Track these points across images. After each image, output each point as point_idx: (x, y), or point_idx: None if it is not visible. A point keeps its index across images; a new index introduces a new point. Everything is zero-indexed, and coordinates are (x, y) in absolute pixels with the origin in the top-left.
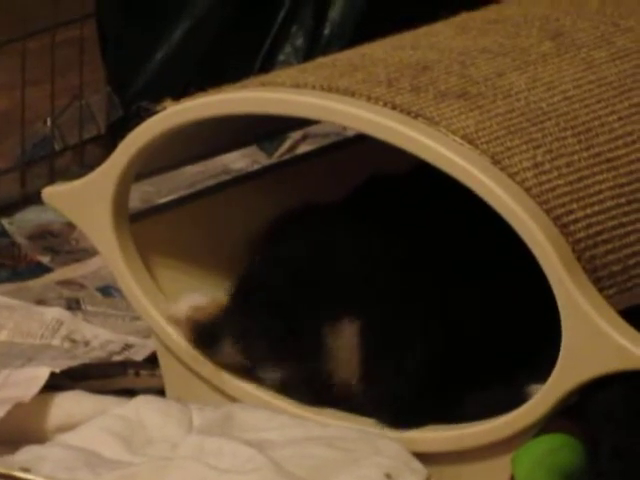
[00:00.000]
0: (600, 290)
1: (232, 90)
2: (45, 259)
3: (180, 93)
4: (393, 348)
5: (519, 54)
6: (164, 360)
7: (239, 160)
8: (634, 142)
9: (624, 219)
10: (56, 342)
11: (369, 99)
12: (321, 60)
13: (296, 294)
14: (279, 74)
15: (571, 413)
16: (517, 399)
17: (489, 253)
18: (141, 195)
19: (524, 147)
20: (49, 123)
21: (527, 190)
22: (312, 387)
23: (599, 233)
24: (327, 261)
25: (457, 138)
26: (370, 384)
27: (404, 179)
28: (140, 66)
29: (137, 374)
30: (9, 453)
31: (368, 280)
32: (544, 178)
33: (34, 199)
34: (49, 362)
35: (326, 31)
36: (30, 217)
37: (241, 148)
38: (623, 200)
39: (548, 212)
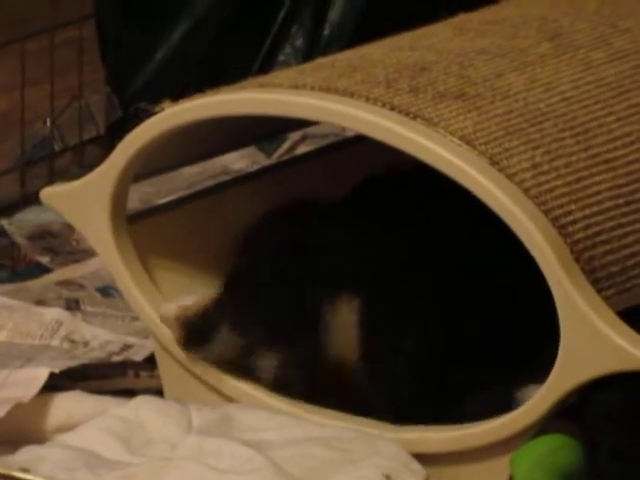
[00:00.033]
0: (599, 291)
1: (230, 91)
2: (44, 259)
3: (179, 94)
4: (392, 327)
5: (517, 55)
6: (162, 361)
7: (238, 161)
8: (632, 143)
9: (623, 220)
10: (55, 342)
11: (368, 100)
12: (320, 61)
13: (294, 276)
14: (277, 75)
15: (570, 414)
16: (512, 401)
17: (488, 254)
18: (140, 196)
19: (522, 148)
20: (49, 124)
21: (525, 191)
22: (309, 372)
23: (598, 234)
24: (325, 243)
25: (455, 139)
26: (369, 363)
27: (402, 179)
28: (139, 67)
29: (136, 375)
30: (8, 453)
31: (366, 263)
32: (542, 179)
33: (34, 199)
34: (48, 362)
35: (326, 32)
36: (30, 217)
37: (240, 149)
38: (622, 201)
39: (546, 213)
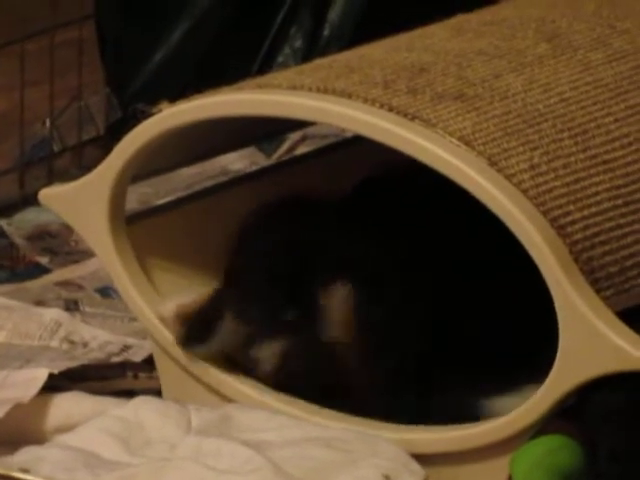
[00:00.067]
0: (597, 291)
1: (228, 92)
2: (44, 260)
3: (178, 94)
4: (390, 326)
5: (515, 56)
6: (160, 361)
7: (237, 161)
8: (631, 144)
9: (621, 220)
10: (55, 343)
11: (366, 101)
12: (318, 62)
13: (292, 266)
14: (276, 76)
15: (569, 414)
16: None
17: (487, 254)
18: (139, 197)
19: (521, 149)
20: (48, 124)
21: (524, 192)
22: (309, 364)
23: (596, 235)
24: (321, 236)
25: (454, 140)
26: (366, 362)
27: (401, 180)
28: (139, 67)
29: (135, 376)
30: (8, 454)
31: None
32: (541, 180)
33: (33, 200)
34: (48, 363)
35: (325, 32)
36: (29, 218)
37: (239, 149)
38: (620, 202)
39: (545, 214)
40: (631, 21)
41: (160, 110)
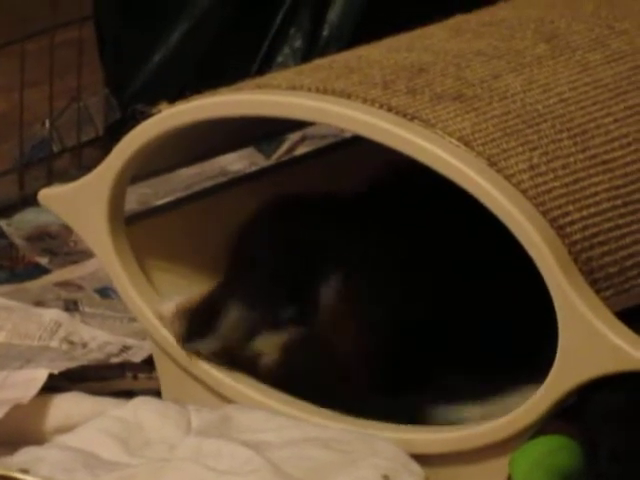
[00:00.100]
0: (597, 292)
1: (227, 92)
2: (43, 260)
3: (178, 95)
4: (390, 325)
5: (514, 56)
6: (160, 362)
7: (237, 162)
8: (630, 144)
9: (620, 221)
10: (54, 344)
11: (365, 101)
12: (317, 62)
13: (293, 264)
14: (275, 76)
15: (569, 415)
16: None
17: (486, 254)
18: (138, 197)
19: (520, 149)
20: (47, 125)
21: (523, 192)
22: (309, 357)
23: (595, 235)
24: (321, 235)
25: (453, 140)
26: (364, 347)
27: (400, 180)
28: (138, 68)
29: (135, 377)
30: (8, 454)
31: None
32: (540, 180)
33: (32, 201)
34: (47, 364)
35: (324, 33)
36: (28, 218)
37: (238, 150)
38: (619, 202)
39: (544, 214)
40: (630, 22)
41: (159, 111)
